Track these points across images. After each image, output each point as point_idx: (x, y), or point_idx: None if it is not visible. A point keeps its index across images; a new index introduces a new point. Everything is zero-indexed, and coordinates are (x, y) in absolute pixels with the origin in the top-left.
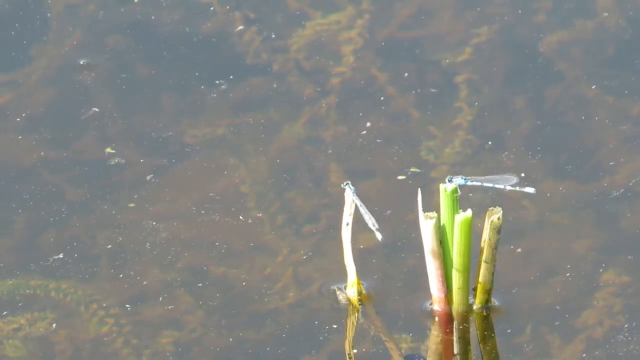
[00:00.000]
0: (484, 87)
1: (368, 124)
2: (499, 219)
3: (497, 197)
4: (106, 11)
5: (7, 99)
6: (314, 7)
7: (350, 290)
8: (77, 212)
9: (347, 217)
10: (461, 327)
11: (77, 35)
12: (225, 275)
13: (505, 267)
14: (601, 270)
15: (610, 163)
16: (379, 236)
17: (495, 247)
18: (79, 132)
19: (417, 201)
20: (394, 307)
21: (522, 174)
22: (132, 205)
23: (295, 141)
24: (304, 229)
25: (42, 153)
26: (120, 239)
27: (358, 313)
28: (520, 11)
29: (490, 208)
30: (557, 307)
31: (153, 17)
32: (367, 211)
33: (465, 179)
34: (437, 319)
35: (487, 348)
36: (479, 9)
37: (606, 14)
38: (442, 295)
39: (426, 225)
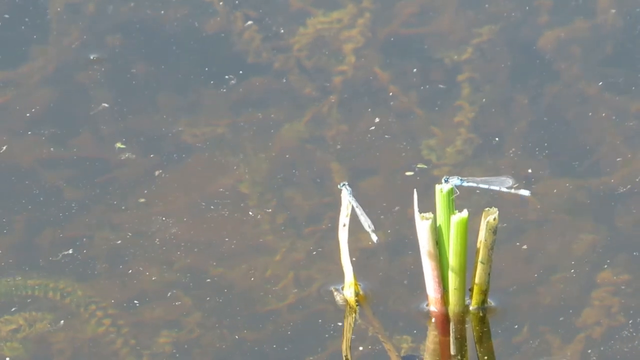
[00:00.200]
0: (485, 85)
1: (377, 120)
2: (494, 219)
3: (497, 196)
4: (105, 10)
5: (17, 93)
6: (315, 5)
7: (348, 291)
8: (73, 211)
9: (344, 219)
10: (458, 328)
11: (78, 33)
12: (225, 276)
13: (504, 266)
14: (601, 268)
15: (610, 161)
16: (374, 238)
17: (491, 248)
18: (88, 127)
19: (413, 202)
20: (391, 308)
21: (529, 170)
22: (131, 205)
23: (297, 140)
24: (305, 229)
25: (51, 149)
26: (119, 239)
27: (355, 314)
28: (521, 10)
29: (486, 208)
30: (555, 306)
31: (154, 16)
32: (363, 212)
33: (461, 180)
34: (433, 319)
35: (484, 349)
36: (480, 7)
37: (612, 11)
38: (439, 296)
39: (422, 226)
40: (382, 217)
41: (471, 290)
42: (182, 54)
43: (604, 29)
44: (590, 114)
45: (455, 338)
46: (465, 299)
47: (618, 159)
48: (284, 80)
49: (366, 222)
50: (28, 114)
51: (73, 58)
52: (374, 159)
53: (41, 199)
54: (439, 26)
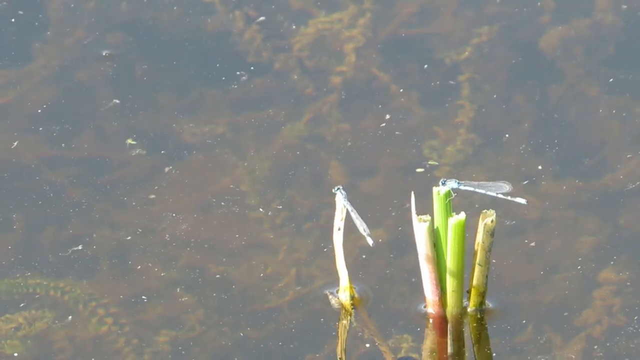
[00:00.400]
0: (485, 85)
1: (387, 116)
2: (492, 221)
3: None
4: (107, 9)
5: (23, 91)
6: (316, 5)
7: (343, 294)
8: (75, 211)
9: (339, 222)
10: (455, 329)
11: (79, 31)
12: (225, 274)
13: (504, 266)
14: (603, 268)
15: (613, 160)
16: (370, 241)
17: (489, 250)
18: (94, 124)
19: (410, 204)
20: (388, 310)
21: (539, 167)
22: (136, 203)
23: (297, 139)
24: (305, 226)
25: (60, 145)
26: (119, 238)
27: (351, 317)
28: (522, 10)
29: (484, 211)
30: (556, 307)
31: (153, 16)
32: (359, 216)
33: (458, 183)
34: (431, 321)
35: (482, 350)
36: (480, 7)
37: (624, 6)
38: (437, 298)
39: (420, 229)
40: (380, 216)
41: (469, 292)
42: (182, 53)
43: (605, 28)
44: (592, 113)
45: (453, 340)
46: (463, 300)
47: (621, 159)
48: (281, 81)
49: (361, 226)
50: (34, 112)
51: (75, 56)
52: (374, 159)
53: (48, 196)
54: (439, 26)
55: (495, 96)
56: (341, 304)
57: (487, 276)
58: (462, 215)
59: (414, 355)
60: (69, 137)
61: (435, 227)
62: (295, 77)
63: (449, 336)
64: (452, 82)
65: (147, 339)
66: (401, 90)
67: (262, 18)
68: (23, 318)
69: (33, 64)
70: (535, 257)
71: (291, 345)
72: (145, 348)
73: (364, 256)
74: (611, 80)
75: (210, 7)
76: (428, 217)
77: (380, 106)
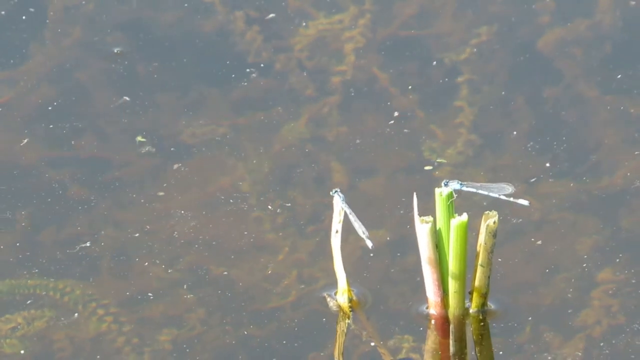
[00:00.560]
0: (484, 86)
1: (396, 114)
2: (494, 222)
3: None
4: (106, 8)
5: (20, 91)
6: (316, 6)
7: (341, 297)
8: (76, 210)
9: (337, 225)
10: (458, 330)
11: (77, 32)
12: (226, 275)
13: (506, 267)
14: (603, 269)
15: (613, 161)
16: (369, 244)
17: (491, 251)
18: (101, 122)
19: (413, 205)
20: (389, 311)
21: (547, 164)
22: (133, 201)
23: (297, 140)
24: (307, 228)
25: (73, 141)
26: (120, 237)
27: (349, 320)
28: (521, 10)
29: (486, 212)
30: (557, 308)
31: (152, 16)
32: (357, 219)
33: (461, 184)
34: (433, 322)
35: (484, 352)
36: (480, 8)
37: (632, 2)
38: (439, 299)
39: (422, 230)
40: (381, 217)
41: (471, 293)
42: (183, 54)
43: (603, 29)
44: (592, 114)
45: (455, 341)
46: (465, 301)
47: (621, 159)
48: (281, 82)
49: (360, 229)
50: (38, 110)
51: (75, 56)
52: (375, 160)
53: (49, 196)
54: (439, 27)
55: (494, 97)
56: (339, 307)
57: (489, 277)
58: (465, 217)
59: (414, 356)
60: (71, 136)
61: (437, 228)
62: (295, 77)
63: (451, 337)
64: (451, 83)
65: (148, 338)
66: (401, 91)
67: (272, 15)
68: (22, 318)
69: (31, 63)
70: (536, 258)
71: (295, 344)
72: (145, 347)
73: (364, 258)
74: (610, 80)
75: (210, 7)
76: (430, 219)
77: (380, 107)
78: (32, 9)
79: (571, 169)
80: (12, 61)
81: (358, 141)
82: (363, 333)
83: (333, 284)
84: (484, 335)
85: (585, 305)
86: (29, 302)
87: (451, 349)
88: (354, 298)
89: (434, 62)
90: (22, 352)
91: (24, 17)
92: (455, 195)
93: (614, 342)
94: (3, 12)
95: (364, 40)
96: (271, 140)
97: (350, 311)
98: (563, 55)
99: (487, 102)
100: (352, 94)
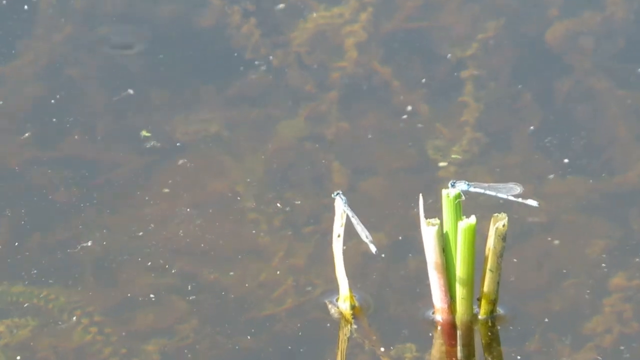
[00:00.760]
0: (490, 82)
1: (409, 108)
2: (504, 225)
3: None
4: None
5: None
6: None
7: (343, 303)
8: (61, 214)
9: (338, 229)
10: (465, 337)
11: (69, 27)
12: (219, 281)
13: (513, 272)
14: (615, 273)
15: (624, 159)
16: (372, 248)
17: (500, 255)
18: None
19: (418, 207)
20: (394, 317)
21: (566, 160)
22: (121, 205)
23: (295, 138)
24: (304, 230)
25: (60, 141)
26: (106, 242)
27: (351, 327)
28: (528, 3)
29: (495, 214)
30: (568, 314)
31: (146, 9)
32: (360, 222)
33: (468, 184)
34: (439, 329)
35: (492, 359)
36: (486, 1)
37: (616, 5)
38: (445, 306)
39: (428, 233)
40: (383, 219)
41: (479, 299)
42: (176, 48)
43: (614, 21)
44: (602, 110)
45: (463, 348)
46: (474, 307)
47: (633, 157)
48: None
49: (363, 233)
50: (26, 109)
51: (64, 52)
52: (376, 158)
53: (31, 199)
54: (443, 21)
55: (500, 93)
56: (341, 314)
57: (498, 283)
58: (473, 219)
59: None
60: (59, 135)
61: (444, 231)
62: (294, 73)
63: (458, 344)
64: (456, 79)
65: (136, 348)
66: (404, 87)
67: (281, 5)
68: (5, 326)
69: (19, 61)
70: (546, 262)
71: (294, 354)
72: (133, 358)
73: (366, 262)
74: (623, 75)
75: (206, 0)
76: (437, 221)
77: (382, 103)
78: (21, 4)
79: (582, 168)
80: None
81: (359, 139)
82: (366, 341)
83: (332, 290)
84: (492, 342)
85: (596, 312)
86: (12, 309)
87: (458, 356)
88: (357, 304)
89: (448, 55)
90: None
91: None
92: (463, 197)
93: (626, 351)
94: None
95: (365, 34)
96: (268, 138)
97: (353, 318)
98: (573, 49)
99: (494, 98)
100: (353, 90)
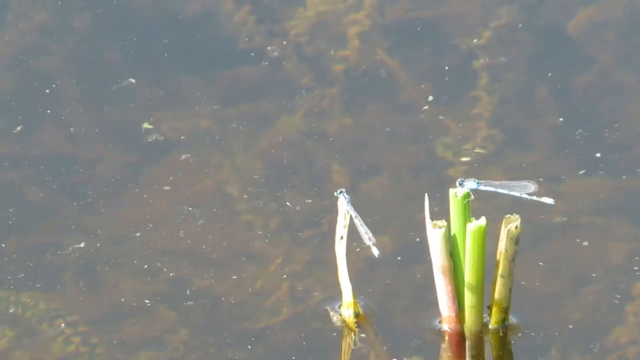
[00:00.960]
0: (506, 73)
1: (430, 98)
2: (516, 227)
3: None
4: None
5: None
6: None
7: (346, 311)
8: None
9: (341, 230)
10: (474, 348)
11: (42, 15)
12: (212, 289)
13: (526, 278)
14: (637, 279)
15: None
16: (375, 252)
17: (512, 260)
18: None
19: (423, 207)
20: (398, 327)
21: (598, 154)
22: (103, 209)
23: (293, 136)
24: (302, 235)
25: (32, 137)
26: (89, 245)
27: (355, 336)
28: None
29: (507, 215)
30: (586, 324)
31: None
32: (363, 223)
33: (478, 183)
34: (447, 339)
35: None
36: None
37: None
38: (453, 314)
39: (434, 236)
40: (388, 222)
41: (490, 307)
42: (163, 38)
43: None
44: (626, 104)
45: (472, 359)
46: (484, 316)
47: None
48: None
49: (366, 235)
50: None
51: (36, 41)
52: (380, 157)
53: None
54: (453, 7)
55: (517, 87)
56: (344, 322)
57: (510, 289)
58: (483, 221)
59: None
60: (30, 131)
61: (452, 233)
62: (292, 65)
63: (467, 356)
64: (468, 70)
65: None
66: (412, 79)
67: None
68: None
69: None
70: (563, 267)
71: None
72: None
73: (371, 267)
74: None
75: None
76: (444, 223)
77: (388, 97)
78: None
79: (604, 166)
80: None
81: (362, 136)
82: (371, 352)
83: (334, 296)
84: (504, 355)
85: (618, 322)
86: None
87: None
88: (361, 312)
89: (448, 48)
90: None
91: None
92: (472, 196)
93: None
94: None
95: (369, 22)
96: (263, 135)
97: (357, 327)
98: (595, 39)
99: (509, 92)
100: (356, 83)
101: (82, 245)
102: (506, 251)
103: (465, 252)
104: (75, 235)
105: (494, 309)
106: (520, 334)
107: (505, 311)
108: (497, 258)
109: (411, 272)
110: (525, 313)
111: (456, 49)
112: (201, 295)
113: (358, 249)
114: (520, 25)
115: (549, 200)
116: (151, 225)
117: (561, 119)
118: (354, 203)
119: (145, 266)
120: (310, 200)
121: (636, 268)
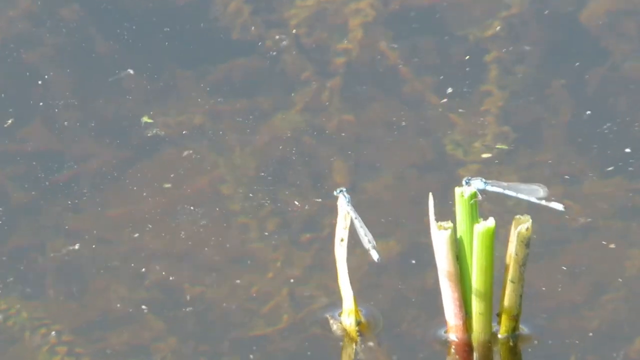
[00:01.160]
0: (516, 67)
1: (449, 90)
2: (527, 229)
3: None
4: None
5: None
6: None
7: (347, 319)
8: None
9: (342, 232)
10: (483, 359)
11: (25, 2)
12: (203, 295)
13: (538, 283)
14: None
15: None
16: (374, 256)
17: (523, 264)
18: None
19: (428, 209)
20: (402, 337)
21: (627, 149)
22: (89, 206)
23: (291, 132)
24: (301, 236)
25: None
26: (73, 249)
27: (356, 346)
28: None
29: (517, 216)
30: (603, 334)
31: None
32: (363, 224)
33: (485, 182)
34: (453, 350)
35: None
36: None
37: None
38: (460, 322)
39: (439, 238)
40: (392, 224)
41: (499, 315)
42: (154, 30)
43: None
44: None
45: None
46: (493, 325)
47: None
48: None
49: (366, 237)
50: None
51: (20, 31)
52: (384, 155)
53: None
54: None
55: (528, 81)
56: (345, 330)
57: (521, 296)
58: (491, 222)
59: None
60: (15, 127)
61: (458, 236)
62: (290, 57)
63: None
64: (476, 63)
65: None
66: (415, 73)
67: None
68: None
69: None
70: (579, 273)
71: None
72: None
73: (373, 272)
74: None
75: None
76: (450, 224)
77: (391, 91)
78: None
79: (620, 166)
80: None
81: (364, 133)
82: None
83: (334, 304)
84: None
85: (639, 332)
86: None
87: None
88: (363, 320)
89: (456, 39)
90: None
91: None
92: (479, 196)
93: None
94: None
95: (372, 12)
96: (259, 131)
97: (359, 336)
98: (611, 31)
99: (520, 86)
100: (357, 76)
101: (62, 248)
102: (516, 254)
103: (473, 255)
104: (57, 238)
105: (504, 317)
106: (531, 344)
107: (515, 319)
108: (507, 262)
109: (418, 277)
110: (537, 321)
111: (463, 41)
112: (195, 302)
113: (359, 252)
114: (531, 18)
115: (558, 206)
116: (137, 228)
117: (571, 117)
118: (355, 203)
119: (132, 271)
120: (310, 201)
121: None
